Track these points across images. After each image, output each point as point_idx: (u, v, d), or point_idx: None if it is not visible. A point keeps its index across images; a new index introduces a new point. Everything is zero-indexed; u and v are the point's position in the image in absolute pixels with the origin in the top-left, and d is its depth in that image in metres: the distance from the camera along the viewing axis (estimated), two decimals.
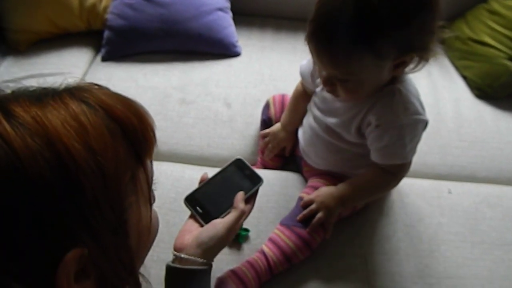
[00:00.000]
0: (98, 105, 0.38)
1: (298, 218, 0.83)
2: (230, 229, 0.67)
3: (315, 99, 0.88)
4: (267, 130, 1.01)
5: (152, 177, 0.47)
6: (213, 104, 1.17)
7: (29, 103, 0.35)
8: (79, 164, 0.34)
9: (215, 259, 0.68)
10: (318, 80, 0.81)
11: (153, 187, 0.50)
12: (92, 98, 0.39)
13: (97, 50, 1.34)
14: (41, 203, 0.33)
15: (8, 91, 0.38)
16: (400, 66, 0.69)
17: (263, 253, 0.83)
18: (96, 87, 0.42)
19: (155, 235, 0.50)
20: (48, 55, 1.28)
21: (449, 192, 1.01)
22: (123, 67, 1.27)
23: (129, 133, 0.40)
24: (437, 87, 1.27)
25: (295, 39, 1.41)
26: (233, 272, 0.79)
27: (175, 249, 0.68)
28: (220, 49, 1.31)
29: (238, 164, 0.75)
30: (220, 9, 1.31)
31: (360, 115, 0.77)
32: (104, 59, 1.29)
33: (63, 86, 0.40)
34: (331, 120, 0.83)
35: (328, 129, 0.85)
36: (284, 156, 1.07)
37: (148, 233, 0.45)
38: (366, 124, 0.77)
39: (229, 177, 0.75)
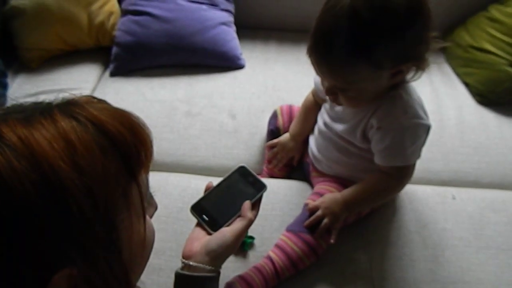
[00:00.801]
0: (89, 121, 0.38)
1: (304, 224, 0.85)
2: (238, 237, 0.69)
3: (326, 105, 0.91)
4: (275, 141, 1.03)
5: (147, 190, 0.46)
6: (218, 116, 1.20)
7: (17, 123, 0.35)
8: (66, 185, 0.34)
9: (222, 267, 0.70)
10: None
11: (153, 195, 0.51)
12: (84, 113, 0.38)
13: (105, 66, 1.38)
14: (27, 225, 0.33)
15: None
16: (397, 74, 0.71)
17: (270, 258, 0.84)
18: (91, 100, 0.42)
19: (151, 248, 0.49)
20: (59, 71, 1.32)
21: (453, 198, 1.02)
22: (131, 82, 1.30)
23: (122, 148, 0.39)
24: (439, 94, 1.28)
25: (298, 50, 1.43)
26: (241, 277, 0.80)
27: (184, 257, 0.69)
28: (224, 62, 1.34)
29: (242, 172, 0.77)
30: (224, 23, 1.35)
31: (365, 120, 0.80)
32: (113, 74, 1.33)
33: (57, 101, 0.40)
34: (339, 127, 0.86)
35: (338, 135, 0.88)
36: (291, 165, 1.09)
37: (142, 246, 0.45)
38: (369, 127, 0.80)
39: (234, 184, 0.76)
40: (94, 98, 0.43)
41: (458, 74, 1.35)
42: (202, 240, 0.70)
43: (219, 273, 0.68)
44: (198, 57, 1.32)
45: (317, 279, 0.86)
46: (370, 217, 0.95)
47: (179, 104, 1.23)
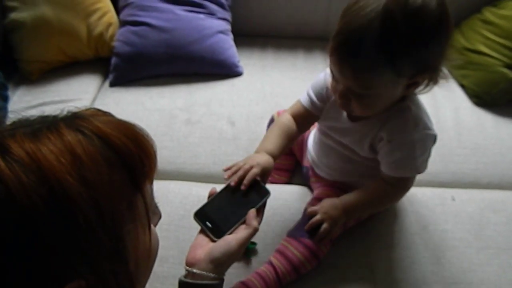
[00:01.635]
0: (94, 134, 0.38)
1: (305, 227, 0.85)
2: (242, 246, 0.69)
3: (326, 115, 0.87)
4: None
5: (152, 200, 0.47)
6: (218, 123, 1.21)
7: (24, 138, 0.35)
8: (73, 198, 0.34)
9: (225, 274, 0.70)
10: (333, 98, 0.82)
11: (158, 205, 0.52)
12: (89, 127, 0.39)
13: (105, 76, 1.39)
14: (35, 239, 0.33)
15: (9, 122, 0.39)
16: (411, 86, 0.71)
17: (271, 264, 0.85)
18: (96, 113, 0.43)
19: (155, 256, 0.50)
20: (59, 83, 1.33)
21: (453, 200, 1.02)
22: (130, 92, 1.31)
23: (127, 160, 0.40)
24: (436, 96, 1.29)
25: (295, 57, 1.45)
26: (243, 283, 0.81)
27: (187, 264, 0.69)
28: (222, 70, 1.35)
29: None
30: (221, 32, 1.36)
31: (373, 133, 0.79)
32: (112, 84, 1.34)
33: (62, 114, 0.41)
34: (345, 139, 0.86)
35: (341, 144, 0.87)
36: (291, 170, 1.10)
37: (148, 256, 0.46)
38: (378, 140, 0.80)
39: (237, 191, 0.76)
40: (99, 110, 0.44)
41: (454, 76, 1.36)
42: (206, 247, 0.70)
43: (222, 281, 0.68)
44: (197, 65, 1.34)
45: (318, 283, 0.86)
46: (370, 221, 0.96)
47: (179, 112, 1.24)
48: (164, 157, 1.14)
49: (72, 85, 1.33)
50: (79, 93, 1.31)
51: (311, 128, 1.04)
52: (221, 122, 1.21)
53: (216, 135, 1.18)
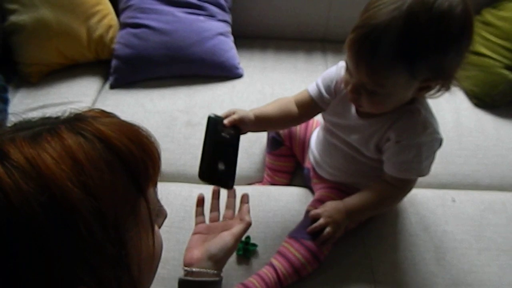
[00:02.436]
0: (96, 137, 0.37)
1: (308, 230, 0.85)
2: (237, 240, 0.72)
3: (332, 111, 0.87)
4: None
5: (155, 203, 0.46)
6: None
7: (24, 143, 0.34)
8: (74, 206, 0.34)
9: (225, 275, 0.71)
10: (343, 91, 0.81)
11: (162, 204, 0.52)
12: (90, 129, 0.38)
13: (105, 79, 1.39)
14: (36, 248, 0.32)
15: (10, 124, 0.38)
16: (423, 89, 0.71)
17: (272, 265, 0.85)
18: (99, 115, 0.42)
19: (159, 259, 0.49)
20: (59, 85, 1.34)
21: (453, 201, 1.02)
22: (130, 94, 1.31)
23: (129, 164, 0.39)
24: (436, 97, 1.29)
25: (295, 58, 1.46)
26: (244, 285, 0.81)
27: (185, 265, 0.70)
28: (222, 72, 1.35)
29: (214, 122, 0.78)
30: (221, 34, 1.36)
31: (381, 132, 0.79)
32: (112, 86, 1.35)
33: (64, 116, 0.40)
34: (351, 137, 0.85)
35: (346, 143, 0.87)
36: (291, 172, 1.10)
37: (151, 260, 0.45)
38: (385, 140, 0.79)
39: (217, 138, 0.77)
40: (103, 111, 0.43)
41: (455, 78, 1.36)
42: (201, 247, 0.72)
43: (221, 278, 0.70)
44: (197, 67, 1.34)
45: (319, 284, 0.86)
46: (371, 222, 0.96)
47: (179, 114, 1.24)
48: (164, 159, 1.10)
49: (72, 87, 1.33)
50: (80, 95, 1.31)
51: (314, 127, 1.04)
52: None
53: None
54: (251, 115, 0.85)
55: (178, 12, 1.34)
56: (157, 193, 0.47)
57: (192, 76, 1.35)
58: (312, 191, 1.02)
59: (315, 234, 0.85)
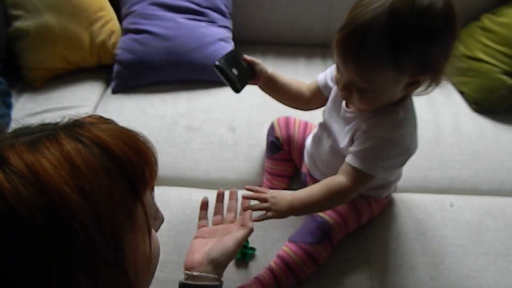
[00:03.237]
0: (94, 143, 0.38)
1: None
2: (239, 245, 0.72)
3: (335, 101, 0.88)
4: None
5: (152, 207, 0.47)
6: (218, 129, 1.22)
7: (23, 149, 0.35)
8: (72, 210, 0.34)
9: (223, 278, 0.71)
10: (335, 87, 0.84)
11: (159, 209, 0.53)
12: (88, 135, 0.38)
13: (107, 84, 1.41)
14: (35, 251, 0.33)
15: (10, 130, 0.39)
16: (413, 85, 0.71)
17: (270, 269, 0.85)
18: (97, 121, 0.43)
19: (157, 263, 0.49)
20: (62, 90, 1.35)
21: (452, 206, 1.03)
22: (132, 98, 1.33)
23: (127, 169, 0.40)
24: (435, 103, 1.30)
25: (296, 63, 1.47)
26: None
27: (186, 269, 0.71)
28: None
29: (235, 52, 0.88)
30: (222, 40, 1.38)
31: (358, 124, 0.79)
32: (114, 91, 1.36)
33: (63, 122, 0.41)
34: (333, 126, 0.85)
35: (329, 133, 0.87)
36: (290, 176, 1.11)
37: (148, 263, 0.46)
38: (358, 130, 0.79)
39: (234, 58, 0.86)
40: (101, 118, 0.44)
41: (453, 83, 1.37)
42: (203, 251, 0.72)
43: (222, 282, 0.70)
44: (198, 72, 1.35)
45: (316, 287, 0.87)
46: (369, 226, 0.96)
47: (180, 118, 1.25)
48: (165, 163, 1.15)
49: (75, 92, 1.35)
50: (82, 100, 1.32)
51: (310, 131, 1.05)
52: (221, 128, 1.23)
53: (217, 141, 1.19)
54: (268, 69, 0.93)
55: (180, 18, 1.36)
56: (154, 197, 0.48)
57: (193, 81, 1.37)
58: None
59: (319, 237, 0.87)
